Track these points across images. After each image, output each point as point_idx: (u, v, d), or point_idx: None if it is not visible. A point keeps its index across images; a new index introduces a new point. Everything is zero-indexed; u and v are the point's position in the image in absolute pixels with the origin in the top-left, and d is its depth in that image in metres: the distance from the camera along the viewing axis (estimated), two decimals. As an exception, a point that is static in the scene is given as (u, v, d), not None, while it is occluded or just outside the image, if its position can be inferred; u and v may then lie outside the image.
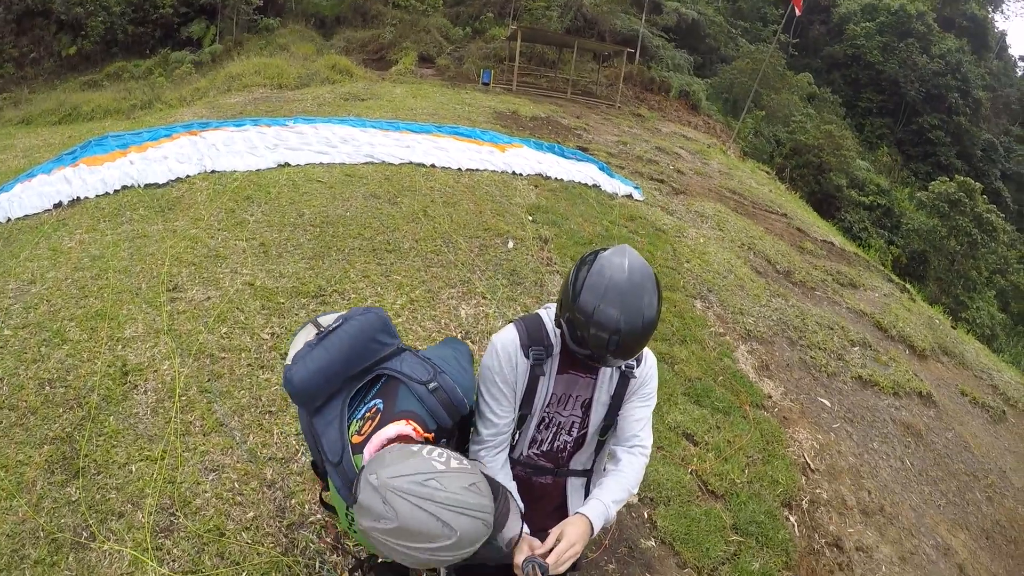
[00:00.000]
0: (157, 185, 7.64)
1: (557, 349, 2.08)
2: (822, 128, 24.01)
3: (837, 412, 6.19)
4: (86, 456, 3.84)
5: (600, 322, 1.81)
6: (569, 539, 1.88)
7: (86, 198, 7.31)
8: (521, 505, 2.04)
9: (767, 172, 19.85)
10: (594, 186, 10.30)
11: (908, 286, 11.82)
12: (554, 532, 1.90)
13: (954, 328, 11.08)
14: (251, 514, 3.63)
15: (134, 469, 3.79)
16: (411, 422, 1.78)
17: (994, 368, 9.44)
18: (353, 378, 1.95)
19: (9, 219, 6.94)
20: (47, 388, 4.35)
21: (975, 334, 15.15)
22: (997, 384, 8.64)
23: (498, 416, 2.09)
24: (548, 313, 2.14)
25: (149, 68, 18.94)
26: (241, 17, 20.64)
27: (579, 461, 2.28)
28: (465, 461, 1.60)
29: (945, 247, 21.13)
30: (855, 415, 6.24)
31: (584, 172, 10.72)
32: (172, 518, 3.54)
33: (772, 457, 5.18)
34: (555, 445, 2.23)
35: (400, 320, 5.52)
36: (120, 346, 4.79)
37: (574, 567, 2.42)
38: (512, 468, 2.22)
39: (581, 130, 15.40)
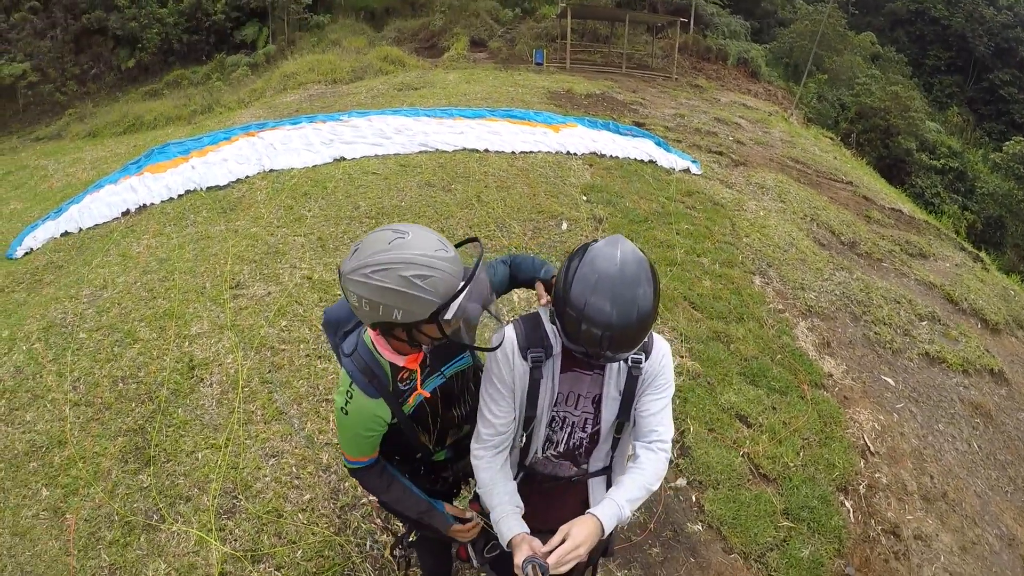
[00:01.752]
0: (218, 187, 7.99)
1: (557, 349, 2.05)
2: (888, 89, 22.77)
3: (901, 391, 5.95)
4: (156, 446, 4.16)
5: (591, 317, 1.76)
6: (574, 540, 1.83)
7: (152, 204, 7.73)
8: (521, 506, 2.06)
9: (831, 138, 19.04)
10: (650, 162, 10.14)
11: (982, 255, 11.18)
12: (561, 530, 1.86)
13: (1031, 300, 10.46)
14: (307, 496, 3.87)
15: (200, 456, 4.09)
16: None
17: (1075, 343, 8.88)
18: None
19: (80, 228, 7.39)
20: (120, 385, 4.70)
21: (1057, 304, 14.28)
22: (1078, 360, 8.12)
23: (496, 416, 2.08)
24: (546, 312, 2.09)
25: (206, 74, 19.54)
26: (292, 16, 20.96)
27: (598, 458, 2.24)
28: None
29: (1023, 211, 19.89)
30: (920, 394, 5.99)
31: (640, 148, 10.55)
32: (234, 501, 3.80)
33: (829, 439, 5.04)
34: (571, 444, 2.20)
35: (455, 308, 5.62)
36: (187, 343, 5.12)
37: (606, 552, 2.45)
38: (531, 473, 2.23)
39: (637, 105, 15.11)
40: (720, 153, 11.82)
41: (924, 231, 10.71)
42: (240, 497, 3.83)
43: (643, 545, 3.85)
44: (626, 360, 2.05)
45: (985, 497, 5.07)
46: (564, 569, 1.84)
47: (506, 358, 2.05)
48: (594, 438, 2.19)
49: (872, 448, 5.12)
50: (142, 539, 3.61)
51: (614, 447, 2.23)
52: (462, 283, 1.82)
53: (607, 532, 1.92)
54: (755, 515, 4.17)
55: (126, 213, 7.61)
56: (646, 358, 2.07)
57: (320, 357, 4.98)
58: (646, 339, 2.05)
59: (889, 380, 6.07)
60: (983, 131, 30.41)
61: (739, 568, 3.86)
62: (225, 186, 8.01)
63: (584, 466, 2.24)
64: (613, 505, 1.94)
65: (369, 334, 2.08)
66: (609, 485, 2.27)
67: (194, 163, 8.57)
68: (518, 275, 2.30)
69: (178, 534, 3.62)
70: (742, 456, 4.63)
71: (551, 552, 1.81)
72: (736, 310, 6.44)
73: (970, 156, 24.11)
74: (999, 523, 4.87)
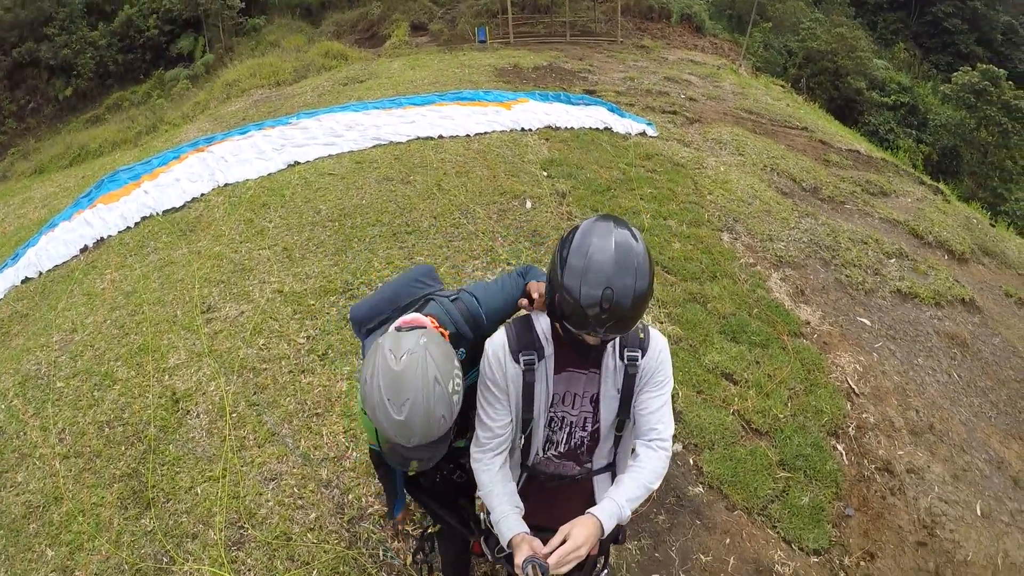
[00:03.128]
0: (175, 209, 7.74)
1: (550, 350, 2.03)
2: (833, 32, 22.90)
3: (878, 330, 6.06)
4: (153, 487, 4.06)
5: (587, 292, 1.74)
6: (575, 540, 1.83)
7: (109, 236, 7.48)
8: (521, 507, 2.05)
9: (782, 86, 19.17)
10: (606, 129, 10.09)
11: (942, 187, 11.40)
12: (562, 531, 1.87)
13: (993, 225, 10.70)
14: (313, 515, 3.82)
15: (199, 491, 4.01)
16: (431, 316, 2.17)
17: (1039, 264, 9.12)
18: (403, 310, 2.32)
19: (40, 272, 7.16)
20: (107, 429, 4.56)
21: (1016, 227, 14.60)
22: (1045, 282, 8.34)
23: (492, 420, 2.08)
24: (537, 313, 2.08)
25: (147, 92, 19.17)
26: (226, 23, 20.48)
27: (601, 456, 2.24)
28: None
29: (976, 139, 20.18)
30: (897, 331, 6.10)
31: (594, 116, 10.50)
32: (241, 531, 3.74)
33: (814, 386, 5.12)
34: (572, 443, 2.19)
35: (429, 300, 5.57)
36: (167, 376, 4.98)
37: (617, 540, 2.45)
38: (532, 474, 2.22)
39: (586, 72, 15.03)
40: (674, 112, 11.84)
41: (883, 169, 10.87)
42: (246, 526, 3.77)
43: (649, 514, 3.89)
44: (622, 357, 2.03)
45: (970, 424, 5.20)
46: (564, 569, 1.86)
47: (498, 362, 2.04)
48: (595, 436, 2.19)
49: (856, 390, 5.21)
50: (156, 584, 3.55)
51: (616, 444, 2.23)
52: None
53: (607, 532, 1.92)
54: (752, 470, 4.24)
55: (84, 249, 7.35)
56: (643, 355, 2.05)
57: (303, 372, 4.89)
58: (643, 336, 2.06)
59: (865, 321, 6.18)
60: (930, 64, 30.81)
61: (744, 524, 3.92)
62: (181, 207, 7.77)
63: (588, 464, 2.24)
64: (613, 505, 1.95)
65: None
66: (614, 481, 2.26)
67: (146, 187, 8.31)
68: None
69: (191, 573, 3.56)
70: (733, 414, 4.69)
71: (551, 552, 1.83)
72: (708, 269, 6.48)
73: (920, 90, 24.42)
74: (987, 448, 5.00)
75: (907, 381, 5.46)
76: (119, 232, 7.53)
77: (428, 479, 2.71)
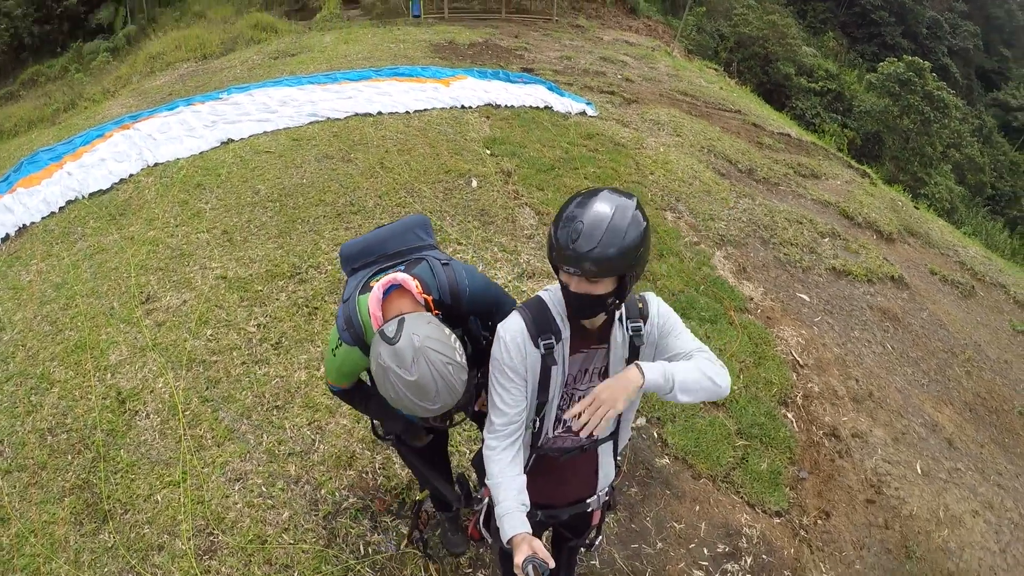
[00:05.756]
0: (102, 192, 7.23)
1: (566, 333, 2.04)
2: (765, 19, 23.74)
3: (816, 305, 6.37)
4: (108, 498, 3.74)
5: (564, 220, 1.86)
6: (594, 393, 1.92)
7: (33, 223, 6.89)
8: (527, 504, 2.05)
9: (715, 69, 19.66)
10: (546, 108, 10.09)
11: (868, 170, 11.98)
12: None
13: (916, 208, 11.32)
14: (286, 514, 3.64)
15: (159, 499, 3.72)
16: (417, 279, 2.26)
17: (959, 244, 9.73)
18: (391, 258, 2.46)
19: (-42, 267, 6.58)
20: (49, 438, 4.17)
21: (936, 209, 15.51)
22: (963, 260, 8.93)
23: (509, 406, 2.06)
24: (549, 295, 2.08)
25: (64, 66, 17.93)
26: (149, -8, 19.49)
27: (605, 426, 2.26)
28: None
29: (898, 126, 21.28)
30: (834, 306, 6.43)
31: (533, 95, 10.49)
32: (211, 538, 3.51)
33: (763, 359, 5.35)
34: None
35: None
36: (109, 374, 4.61)
37: (609, 507, 2.53)
38: (541, 452, 2.23)
39: (522, 50, 15.00)
40: (612, 92, 11.94)
41: (813, 153, 11.32)
42: (216, 532, 3.54)
43: (622, 487, 4.00)
44: (627, 328, 2.08)
45: (905, 392, 5.56)
46: (592, 429, 1.91)
47: (517, 347, 2.02)
48: None
49: (801, 361, 5.48)
50: (125, 604, 3.29)
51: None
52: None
53: (647, 382, 1.92)
54: (713, 440, 4.42)
55: (6, 239, 6.73)
56: (644, 322, 2.09)
57: (257, 363, 4.64)
58: (642, 305, 2.11)
59: (804, 296, 6.47)
60: (857, 53, 32.28)
61: (710, 491, 4.10)
62: (108, 189, 7.25)
63: (593, 436, 2.24)
64: (660, 365, 1.96)
65: (369, 299, 2.23)
66: (616, 449, 2.34)
67: (69, 168, 7.74)
68: None
69: None
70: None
71: (551, 552, 1.89)
72: (655, 248, 6.61)
73: (846, 77, 25.56)
74: (921, 413, 5.37)
75: (846, 352, 5.77)
76: (43, 218, 6.95)
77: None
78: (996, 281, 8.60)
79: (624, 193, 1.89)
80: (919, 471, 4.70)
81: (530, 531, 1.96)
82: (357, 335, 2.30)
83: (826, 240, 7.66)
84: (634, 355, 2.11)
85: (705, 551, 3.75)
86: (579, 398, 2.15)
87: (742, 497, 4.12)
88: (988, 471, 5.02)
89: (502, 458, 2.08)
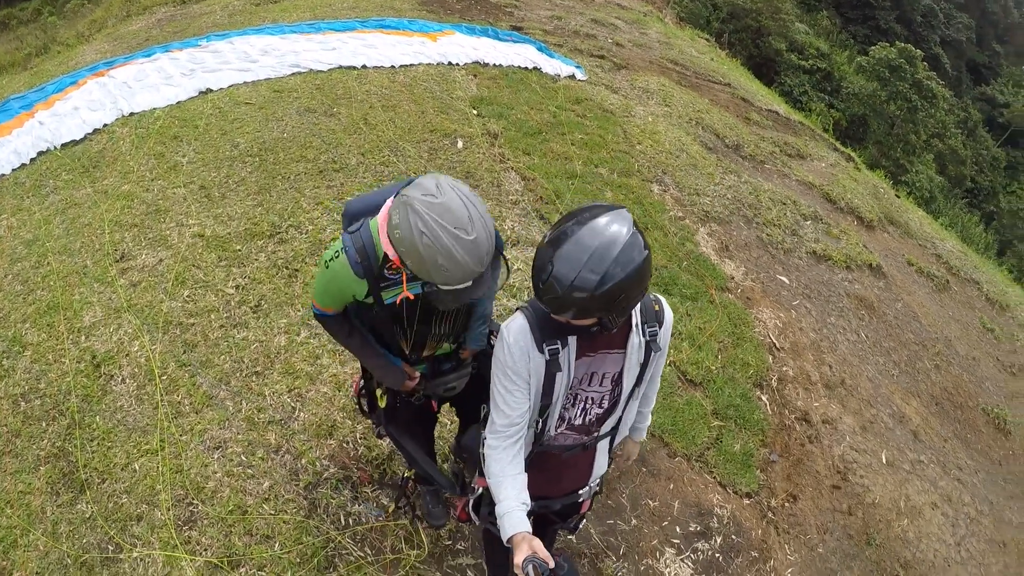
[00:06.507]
0: (75, 142, 6.88)
1: (573, 338, 2.00)
2: (759, -9, 23.54)
3: (796, 289, 6.44)
4: (85, 466, 3.66)
5: (537, 261, 1.81)
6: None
7: (3, 176, 6.56)
8: (527, 503, 2.04)
9: (707, 39, 19.44)
10: (534, 69, 9.87)
11: (853, 155, 12.05)
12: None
13: (898, 197, 11.45)
14: (266, 484, 3.59)
15: (137, 467, 3.65)
16: None
17: (937, 237, 9.90)
18: None
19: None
20: (23, 404, 4.05)
21: (915, 197, 15.72)
22: (940, 253, 9.09)
23: (511, 408, 2.04)
24: None
25: (36, 9, 17.16)
26: (127, -73, 18.49)
27: (608, 425, 2.27)
28: None
29: (885, 111, 21.49)
30: (812, 291, 6.51)
31: (523, 55, 10.25)
32: (191, 508, 3.46)
33: (741, 340, 5.41)
34: (586, 419, 2.20)
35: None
36: (83, 337, 4.46)
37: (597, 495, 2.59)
38: (543, 448, 2.23)
39: (512, 7, 14.60)
40: (602, 57, 11.73)
41: (800, 132, 11.33)
42: (195, 502, 3.49)
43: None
44: (644, 333, 2.06)
45: (876, 381, 5.69)
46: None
47: (521, 351, 1.98)
48: (610, 411, 2.21)
49: (777, 344, 5.55)
50: (105, 575, 3.21)
51: (623, 411, 2.28)
52: (461, 285, 2.01)
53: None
54: (689, 419, 4.49)
55: None
56: (660, 327, 2.09)
57: (236, 326, 4.51)
58: (658, 308, 2.09)
59: (784, 279, 6.53)
60: (849, 34, 32.17)
61: (685, 470, 4.17)
62: (82, 140, 6.89)
63: (595, 433, 2.27)
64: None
65: (377, 221, 2.22)
66: (612, 445, 2.38)
67: (41, 117, 7.34)
68: None
69: (142, 559, 3.25)
70: (669, 365, 4.88)
71: (554, 551, 1.93)
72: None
73: (837, 58, 25.56)
74: (890, 403, 5.51)
75: (821, 338, 5.87)
76: (13, 170, 6.59)
77: (417, 398, 2.77)
78: (970, 277, 8.80)
79: (625, 228, 1.77)
80: (884, 461, 4.84)
81: (530, 530, 1.94)
82: (369, 268, 2.26)
83: (808, 223, 7.71)
84: (647, 358, 2.10)
85: (678, 529, 3.83)
86: (584, 399, 2.15)
87: (715, 477, 4.21)
88: (949, 465, 5.20)
89: (503, 457, 2.06)
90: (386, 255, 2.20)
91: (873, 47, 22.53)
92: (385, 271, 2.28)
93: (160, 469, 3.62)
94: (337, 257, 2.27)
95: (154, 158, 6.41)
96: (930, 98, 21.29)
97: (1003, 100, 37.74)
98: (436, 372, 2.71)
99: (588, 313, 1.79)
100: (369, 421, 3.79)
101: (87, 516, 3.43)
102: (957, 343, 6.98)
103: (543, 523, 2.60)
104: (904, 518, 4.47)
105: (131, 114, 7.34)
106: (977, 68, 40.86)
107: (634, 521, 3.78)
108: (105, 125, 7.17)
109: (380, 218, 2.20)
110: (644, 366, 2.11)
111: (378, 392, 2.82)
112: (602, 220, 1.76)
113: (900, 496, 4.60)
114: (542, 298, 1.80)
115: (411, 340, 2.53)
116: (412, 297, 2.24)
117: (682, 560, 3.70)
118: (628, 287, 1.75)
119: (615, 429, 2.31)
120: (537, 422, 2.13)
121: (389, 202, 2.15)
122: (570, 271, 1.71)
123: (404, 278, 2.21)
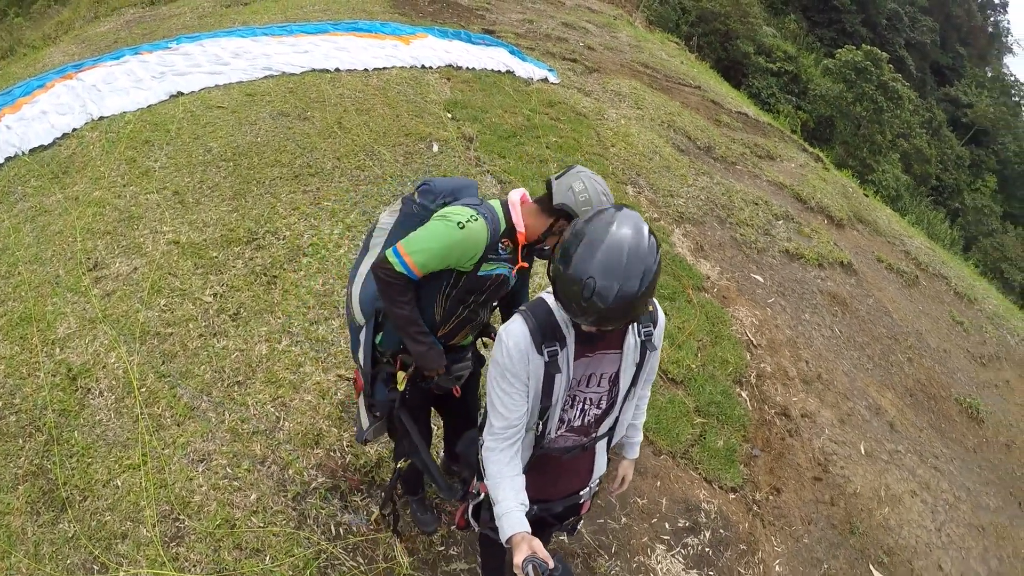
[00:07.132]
0: (43, 147, 6.70)
1: (571, 339, 2.00)
2: (728, -4, 23.87)
3: (770, 287, 6.55)
4: (65, 484, 3.53)
5: (571, 276, 1.75)
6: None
7: None
8: (526, 503, 2.05)
9: (676, 43, 19.69)
10: (507, 72, 9.91)
11: (821, 155, 12.27)
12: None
13: (866, 196, 11.69)
14: (254, 496, 3.52)
15: (120, 483, 3.54)
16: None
17: (905, 234, 10.13)
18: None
19: None
20: None
21: (881, 195, 16.04)
22: (909, 249, 9.31)
23: (509, 410, 2.03)
24: (553, 299, 1.98)
25: (2, 10, 16.57)
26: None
27: (606, 425, 2.28)
28: None
29: (851, 112, 21.96)
30: (786, 288, 6.63)
31: (495, 58, 10.29)
32: (177, 523, 3.37)
33: (719, 338, 5.49)
34: (585, 420, 2.21)
35: (341, 252, 5.25)
36: (58, 349, 4.33)
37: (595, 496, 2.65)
38: (543, 451, 2.23)
39: (483, 11, 14.65)
40: (574, 60, 11.82)
41: (769, 134, 11.53)
42: (181, 517, 3.39)
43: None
44: (640, 333, 2.08)
45: (851, 375, 5.81)
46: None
47: (520, 353, 1.96)
48: (608, 411, 2.23)
49: (755, 341, 5.65)
50: (91, 596, 3.13)
51: (620, 412, 2.30)
52: None
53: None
54: (673, 417, 4.55)
55: None
56: (654, 327, 2.11)
57: (215, 335, 4.43)
58: (651, 309, 2.11)
59: (758, 278, 6.65)
60: (816, 37, 32.76)
61: (670, 467, 4.22)
62: (50, 145, 6.72)
63: (594, 434, 2.28)
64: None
65: (509, 203, 2.54)
66: (610, 444, 2.39)
67: (8, 121, 7.10)
68: None
69: None
70: (651, 364, 4.93)
71: (548, 551, 1.88)
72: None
73: (804, 60, 26.03)
74: (866, 396, 5.62)
75: (797, 335, 5.98)
76: None
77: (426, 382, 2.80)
78: (938, 272, 9.02)
79: (643, 232, 1.79)
80: (863, 452, 4.95)
81: (529, 530, 1.95)
82: (495, 235, 2.46)
83: (780, 223, 7.85)
84: (643, 358, 2.12)
85: (667, 526, 3.88)
86: (583, 400, 2.16)
87: (700, 473, 4.27)
88: (926, 454, 5.32)
89: (500, 458, 2.06)
90: (507, 228, 2.49)
91: (839, 50, 22.99)
92: (499, 245, 2.49)
93: (143, 484, 3.51)
94: (476, 220, 2.39)
95: (125, 163, 6.28)
96: (895, 99, 21.77)
97: (967, 100, 38.70)
98: (452, 359, 2.79)
99: (630, 317, 1.81)
100: (354, 428, 3.80)
101: (70, 536, 3.31)
102: (928, 336, 7.14)
103: (540, 525, 2.63)
104: (885, 506, 4.57)
105: (101, 118, 7.19)
106: (941, 70, 41.86)
107: (624, 519, 3.82)
108: (74, 130, 7.02)
109: (512, 206, 2.50)
110: (640, 365, 2.14)
111: (399, 375, 2.80)
112: (615, 223, 1.76)
113: (880, 485, 4.70)
114: (581, 316, 1.77)
115: (453, 325, 2.67)
116: (526, 265, 2.62)
117: (673, 556, 3.74)
118: (656, 278, 1.80)
119: (612, 430, 2.33)
120: (537, 424, 2.12)
121: (519, 192, 2.58)
122: (612, 283, 1.70)
123: (519, 254, 2.55)
